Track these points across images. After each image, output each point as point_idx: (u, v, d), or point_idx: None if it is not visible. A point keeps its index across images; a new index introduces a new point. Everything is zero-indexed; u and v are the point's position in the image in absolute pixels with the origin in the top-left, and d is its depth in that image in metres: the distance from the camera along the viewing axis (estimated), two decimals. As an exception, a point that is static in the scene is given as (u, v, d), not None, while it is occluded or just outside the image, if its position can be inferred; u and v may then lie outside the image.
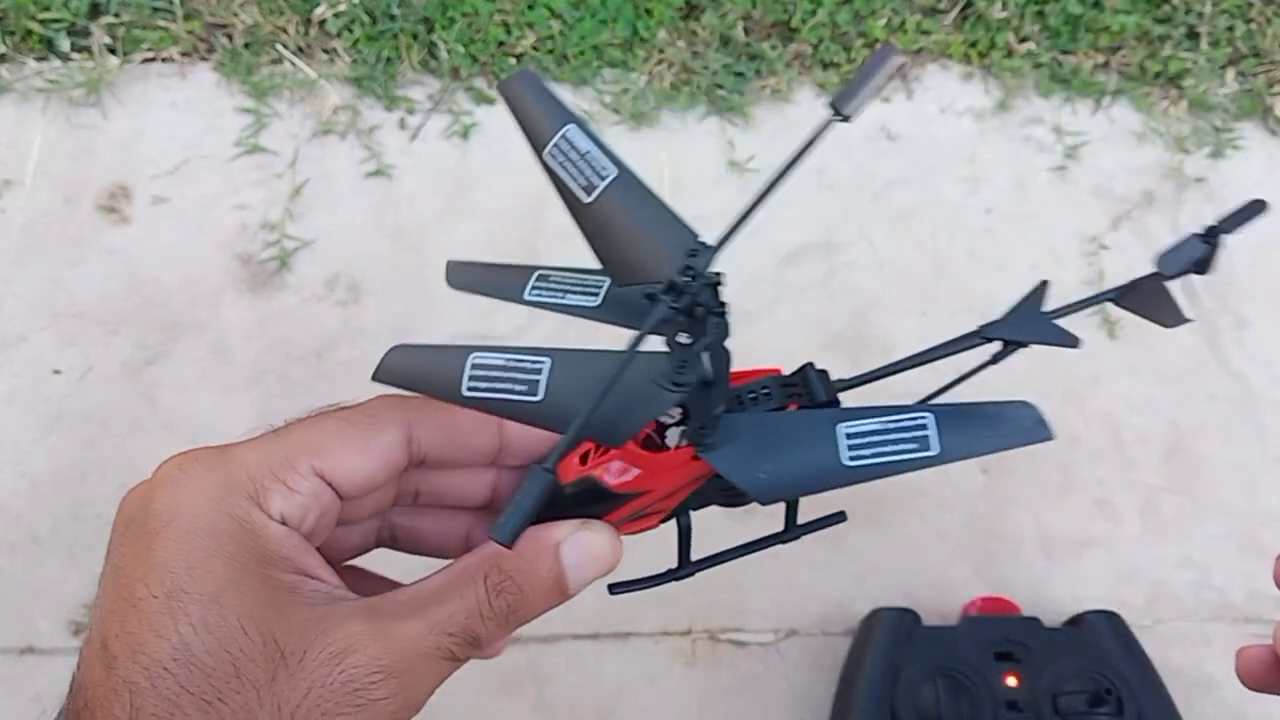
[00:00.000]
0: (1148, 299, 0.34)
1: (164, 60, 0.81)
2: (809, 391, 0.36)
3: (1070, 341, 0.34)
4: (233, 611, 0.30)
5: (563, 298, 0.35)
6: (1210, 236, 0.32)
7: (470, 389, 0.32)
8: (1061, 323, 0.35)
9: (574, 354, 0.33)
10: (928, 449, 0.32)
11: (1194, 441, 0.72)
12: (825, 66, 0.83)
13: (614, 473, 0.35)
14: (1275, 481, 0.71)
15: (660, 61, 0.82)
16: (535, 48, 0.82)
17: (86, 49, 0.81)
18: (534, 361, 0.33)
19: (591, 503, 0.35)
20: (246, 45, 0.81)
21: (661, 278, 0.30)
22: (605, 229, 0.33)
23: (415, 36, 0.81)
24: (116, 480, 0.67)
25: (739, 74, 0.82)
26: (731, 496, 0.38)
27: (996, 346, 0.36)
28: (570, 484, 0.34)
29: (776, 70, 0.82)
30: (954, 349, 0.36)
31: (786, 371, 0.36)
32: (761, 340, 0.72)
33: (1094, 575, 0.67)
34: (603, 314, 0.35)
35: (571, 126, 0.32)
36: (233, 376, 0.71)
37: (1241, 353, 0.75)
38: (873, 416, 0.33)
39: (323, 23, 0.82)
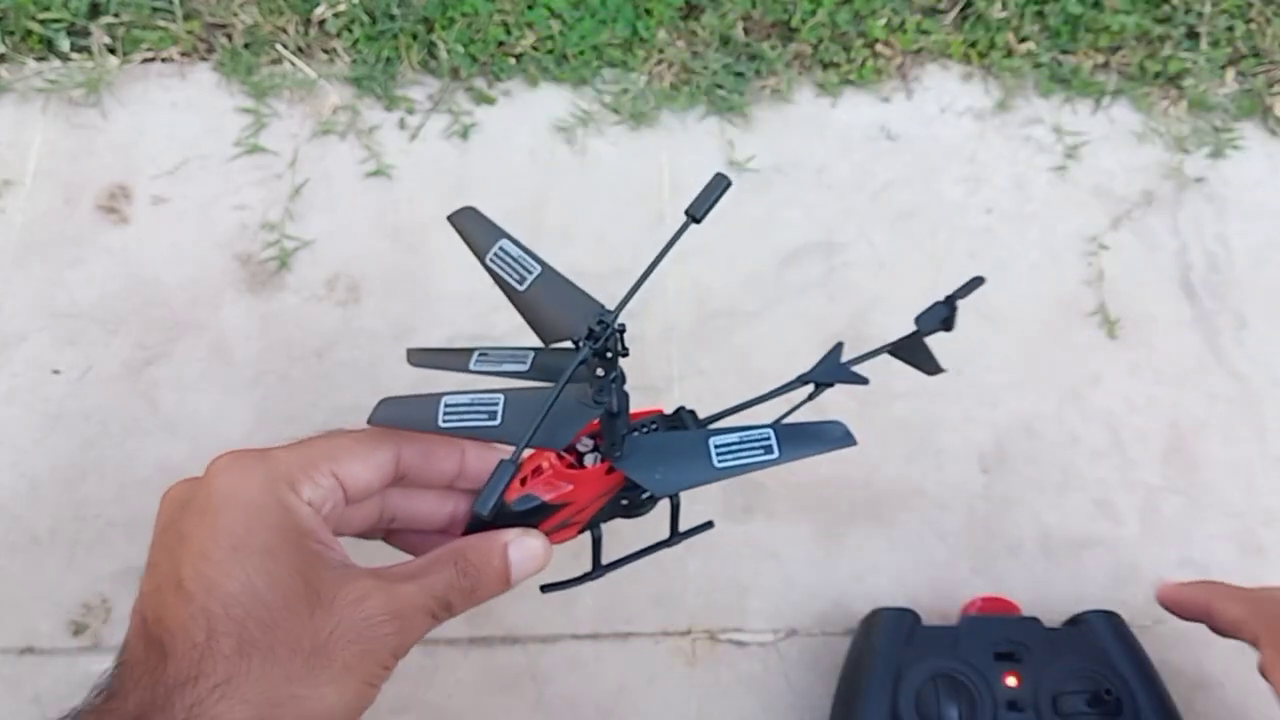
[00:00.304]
0: (913, 351, 0.46)
1: (164, 60, 0.81)
2: (683, 425, 0.49)
3: (860, 380, 0.49)
4: (282, 562, 0.39)
5: (500, 366, 0.47)
6: (949, 303, 0.44)
7: (445, 421, 0.43)
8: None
9: (520, 391, 0.45)
10: (771, 453, 0.44)
11: (1194, 441, 0.72)
12: (825, 66, 0.83)
13: (548, 489, 0.46)
14: (1275, 481, 0.71)
15: (660, 61, 0.82)
16: (535, 48, 0.82)
17: (86, 49, 0.81)
18: (491, 398, 0.45)
19: (530, 515, 0.45)
20: (246, 45, 0.81)
21: (577, 335, 0.42)
22: (535, 307, 0.46)
23: (415, 36, 0.81)
24: (116, 480, 0.67)
25: (739, 74, 0.82)
26: (630, 510, 0.50)
27: (811, 387, 0.49)
28: (514, 501, 0.44)
29: (776, 70, 0.82)
30: (784, 390, 0.49)
31: (667, 411, 0.49)
32: (761, 340, 0.72)
33: (1094, 575, 0.67)
34: (530, 375, 0.47)
35: (505, 240, 0.47)
36: (233, 376, 0.71)
37: (1241, 353, 0.75)
38: (733, 433, 0.45)
39: (322, 23, 0.82)
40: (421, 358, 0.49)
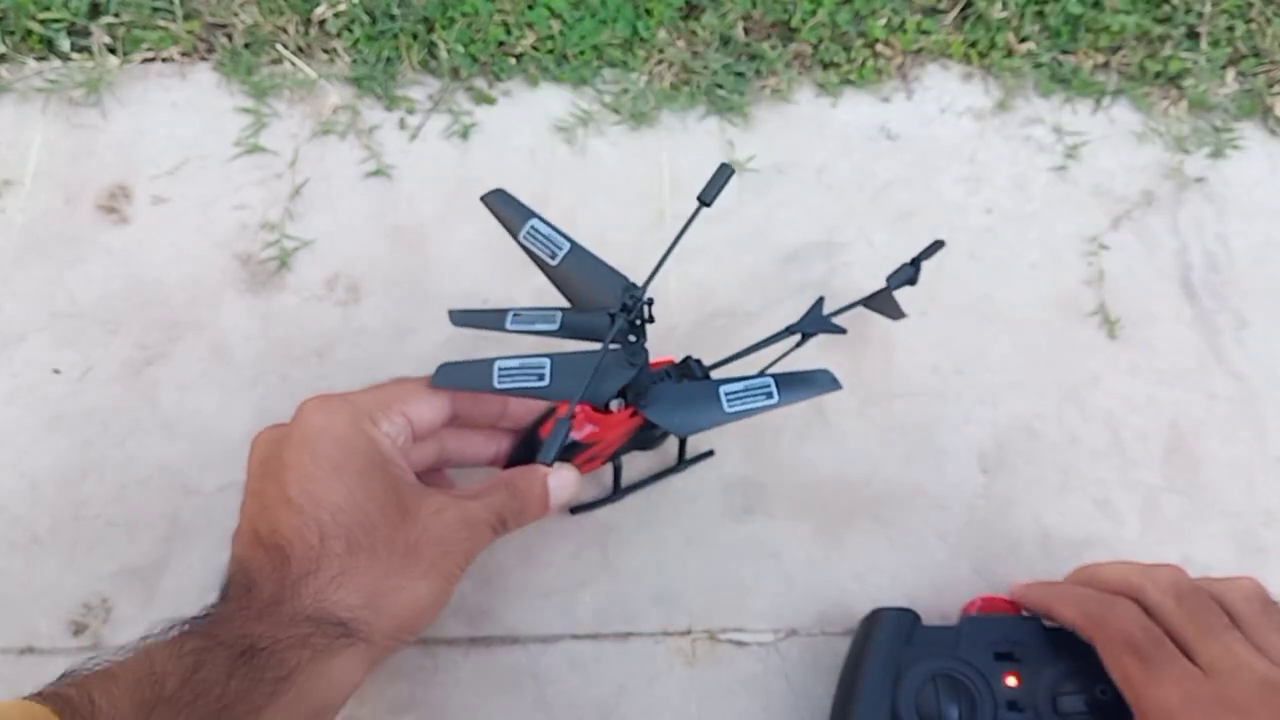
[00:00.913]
0: (882, 303, 0.55)
1: (164, 60, 0.82)
2: (691, 372, 0.56)
3: (839, 330, 0.57)
4: (375, 480, 0.47)
5: (532, 325, 0.53)
6: (914, 264, 0.52)
7: (500, 382, 0.50)
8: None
9: (564, 355, 0.51)
10: (772, 398, 0.52)
11: (1194, 441, 0.72)
12: (825, 66, 0.83)
13: (579, 431, 0.54)
14: (1275, 481, 0.71)
15: (660, 61, 0.82)
16: (535, 48, 0.82)
17: (86, 49, 0.81)
18: (539, 361, 0.51)
19: (565, 451, 0.53)
20: (246, 45, 0.81)
21: (607, 305, 0.49)
22: (567, 279, 0.52)
23: (415, 36, 0.81)
24: (116, 480, 0.67)
25: (739, 74, 0.82)
26: (645, 444, 0.60)
27: (798, 337, 0.57)
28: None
29: (776, 70, 0.82)
30: (775, 340, 0.58)
31: (678, 359, 0.57)
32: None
33: (1094, 575, 0.67)
34: (560, 334, 0.53)
35: (535, 220, 0.54)
36: (233, 376, 0.71)
37: (1241, 353, 0.75)
38: (740, 381, 0.53)
39: (323, 23, 0.82)
40: (463, 318, 0.55)
